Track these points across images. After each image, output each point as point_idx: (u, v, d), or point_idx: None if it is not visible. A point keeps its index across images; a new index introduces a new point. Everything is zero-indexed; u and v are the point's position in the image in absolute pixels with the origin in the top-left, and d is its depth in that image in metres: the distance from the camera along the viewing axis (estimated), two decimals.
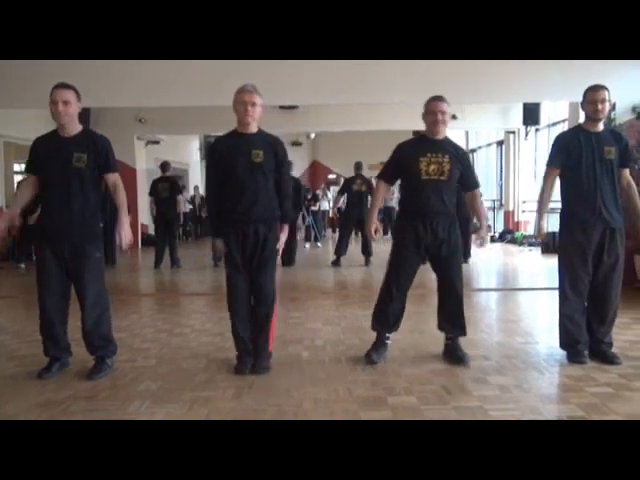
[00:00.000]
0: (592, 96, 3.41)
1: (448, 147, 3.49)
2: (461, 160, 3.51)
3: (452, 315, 3.56)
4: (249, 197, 3.28)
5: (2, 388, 3.19)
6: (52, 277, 3.31)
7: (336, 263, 8.78)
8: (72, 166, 3.24)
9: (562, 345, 3.60)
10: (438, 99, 3.43)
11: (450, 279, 3.53)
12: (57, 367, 3.39)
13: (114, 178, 3.40)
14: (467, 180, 3.60)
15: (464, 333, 3.62)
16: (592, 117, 3.45)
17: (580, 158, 3.43)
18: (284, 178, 3.44)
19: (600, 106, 3.39)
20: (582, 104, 3.52)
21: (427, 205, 3.40)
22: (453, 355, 3.54)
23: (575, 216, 3.47)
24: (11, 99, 6.83)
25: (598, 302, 3.52)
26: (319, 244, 12.79)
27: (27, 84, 6.33)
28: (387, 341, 3.63)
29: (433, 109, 3.41)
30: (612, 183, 3.46)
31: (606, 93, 3.40)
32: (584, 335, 3.51)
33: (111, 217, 8.90)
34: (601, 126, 3.51)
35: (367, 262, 8.74)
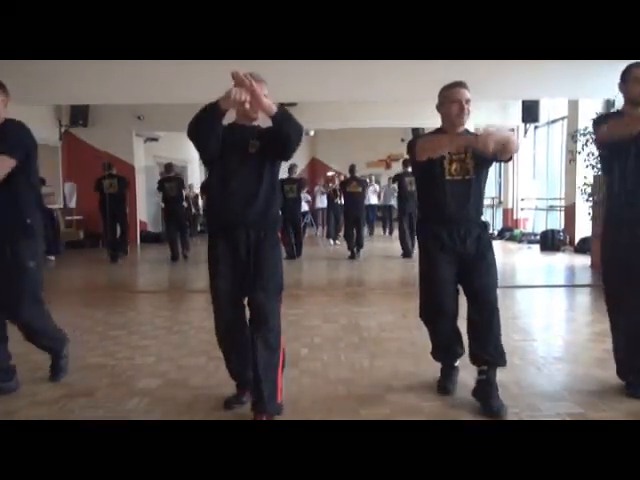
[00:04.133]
0: None
1: None
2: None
3: (484, 335, 2.86)
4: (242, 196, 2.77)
5: None
6: None
7: (352, 257, 9.39)
8: None
9: (620, 375, 3.05)
10: (459, 85, 2.87)
11: (482, 290, 2.84)
12: None
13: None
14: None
15: (504, 361, 2.87)
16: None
17: (629, 146, 2.82)
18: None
19: None
20: (623, 85, 2.91)
21: (450, 210, 2.85)
22: (486, 403, 2.74)
23: (624, 215, 2.90)
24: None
25: None
26: (338, 242, 12.10)
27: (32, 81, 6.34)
28: (455, 364, 3.12)
29: (457, 97, 2.83)
30: None
31: None
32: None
33: (112, 215, 9.13)
34: None
35: (357, 253, 9.43)
